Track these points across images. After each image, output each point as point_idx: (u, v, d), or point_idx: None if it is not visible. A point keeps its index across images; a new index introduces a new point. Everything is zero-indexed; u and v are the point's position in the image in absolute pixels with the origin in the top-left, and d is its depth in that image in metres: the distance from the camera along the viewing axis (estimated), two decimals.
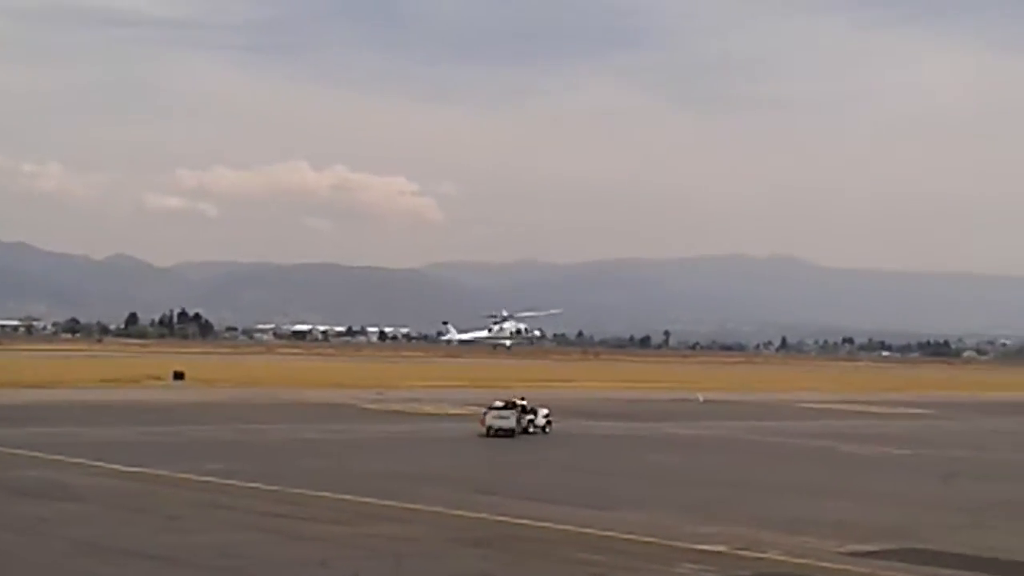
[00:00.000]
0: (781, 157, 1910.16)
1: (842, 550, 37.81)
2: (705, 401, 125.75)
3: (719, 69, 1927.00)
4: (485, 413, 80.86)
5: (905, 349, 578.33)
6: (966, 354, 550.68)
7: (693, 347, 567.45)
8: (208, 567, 33.33)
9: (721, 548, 37.57)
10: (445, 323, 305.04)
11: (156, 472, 53.67)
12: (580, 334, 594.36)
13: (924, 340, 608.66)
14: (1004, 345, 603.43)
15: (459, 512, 43.89)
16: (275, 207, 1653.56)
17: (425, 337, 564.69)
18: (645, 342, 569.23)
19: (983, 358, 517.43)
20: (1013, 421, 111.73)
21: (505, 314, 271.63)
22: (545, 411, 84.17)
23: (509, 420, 79.33)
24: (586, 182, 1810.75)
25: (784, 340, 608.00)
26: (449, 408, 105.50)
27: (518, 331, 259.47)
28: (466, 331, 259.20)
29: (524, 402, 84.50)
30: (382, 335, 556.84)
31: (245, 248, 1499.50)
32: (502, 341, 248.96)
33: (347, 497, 47.02)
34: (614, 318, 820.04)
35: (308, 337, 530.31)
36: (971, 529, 43.85)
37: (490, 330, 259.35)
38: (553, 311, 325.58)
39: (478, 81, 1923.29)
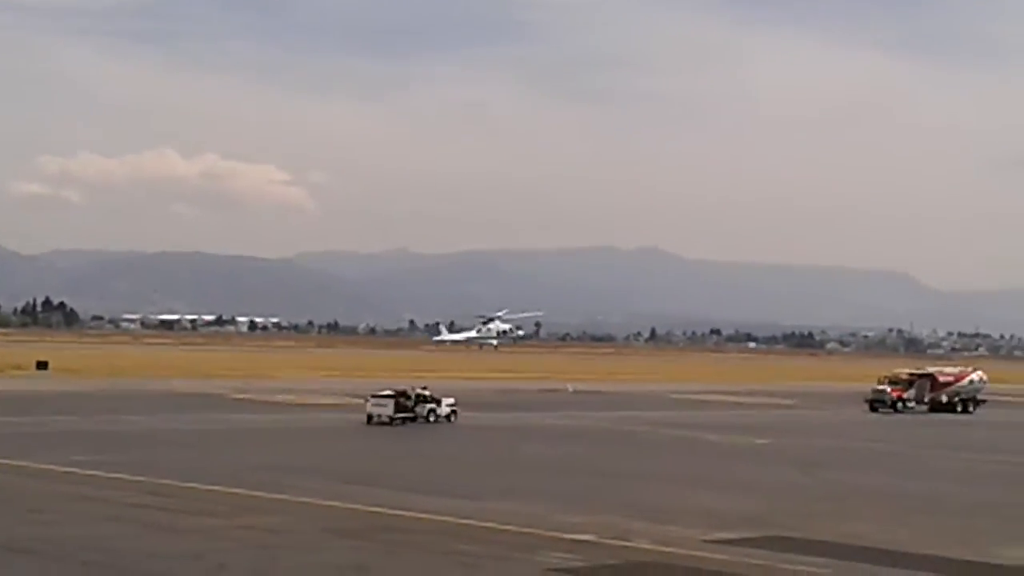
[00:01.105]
0: (652, 151, 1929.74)
1: (706, 538, 38.64)
2: (575, 391, 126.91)
3: (592, 63, 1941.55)
4: (367, 401, 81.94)
5: (771, 341, 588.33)
6: (829, 346, 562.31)
7: (563, 338, 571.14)
8: (74, 560, 32.86)
9: (589, 537, 38.17)
10: (438, 323, 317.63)
11: (17, 463, 52.74)
12: (451, 324, 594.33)
13: (789, 332, 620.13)
14: (866, 337, 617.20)
15: (331, 503, 43.95)
16: (143, 195, 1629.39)
17: (295, 327, 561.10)
18: None
19: (846, 350, 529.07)
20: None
21: (492, 316, 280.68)
22: (450, 400, 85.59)
23: (387, 408, 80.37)
24: (458, 173, 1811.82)
25: (653, 331, 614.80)
26: (321, 398, 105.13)
27: (504, 332, 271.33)
28: (457, 332, 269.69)
29: (426, 391, 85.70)
30: (252, 325, 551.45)
31: (114, 236, 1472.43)
32: (489, 340, 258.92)
33: (217, 488, 46.80)
34: (484, 309, 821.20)
35: (176, 326, 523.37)
36: (830, 516, 45.02)
37: (479, 331, 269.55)
38: (535, 312, 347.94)
39: (352, 72, 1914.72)
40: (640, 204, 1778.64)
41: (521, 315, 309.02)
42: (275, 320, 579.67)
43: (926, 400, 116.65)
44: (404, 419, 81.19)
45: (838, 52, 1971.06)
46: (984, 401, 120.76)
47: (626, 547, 36.81)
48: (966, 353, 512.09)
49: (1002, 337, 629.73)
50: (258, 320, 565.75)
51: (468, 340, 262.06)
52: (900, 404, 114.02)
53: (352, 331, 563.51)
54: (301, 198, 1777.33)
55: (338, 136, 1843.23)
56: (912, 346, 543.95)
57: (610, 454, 68.60)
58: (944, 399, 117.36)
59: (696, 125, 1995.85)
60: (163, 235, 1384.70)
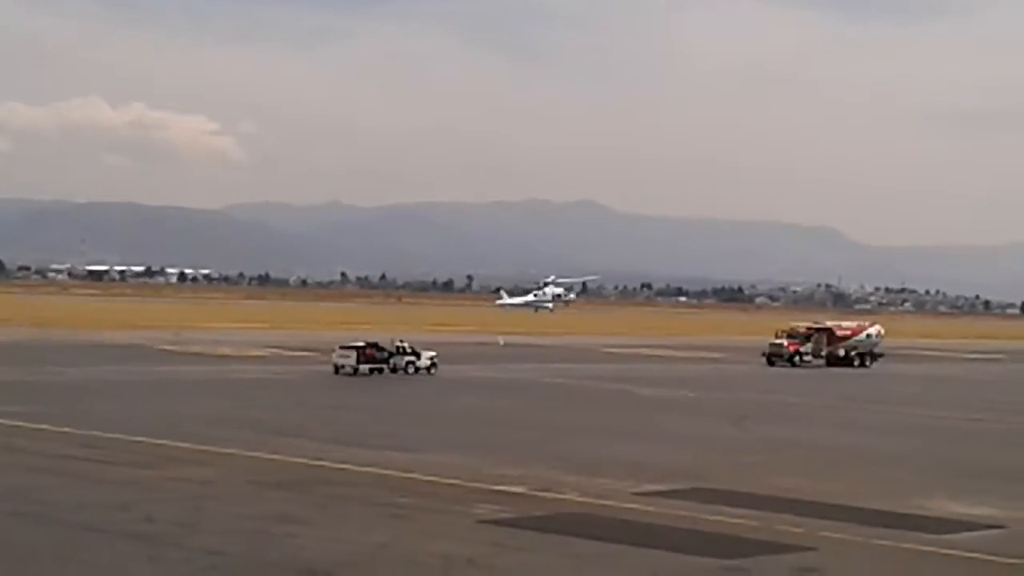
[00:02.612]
0: (585, 106, 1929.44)
1: (637, 490, 38.85)
2: (506, 344, 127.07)
3: (526, 18, 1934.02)
4: (334, 352, 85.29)
5: (701, 295, 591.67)
6: (759, 300, 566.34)
7: (496, 291, 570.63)
8: (0, 511, 32.49)
9: (520, 489, 38.28)
10: (499, 290, 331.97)
11: None
12: (383, 277, 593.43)
13: (719, 286, 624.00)
14: (795, 292, 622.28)
15: (261, 455, 43.77)
16: (72, 144, 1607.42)
17: (226, 278, 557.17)
18: (448, 286, 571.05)
19: (775, 304, 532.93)
20: (818, 364, 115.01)
21: (547, 280, 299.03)
22: (431, 353, 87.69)
23: (350, 359, 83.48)
24: (390, 126, 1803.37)
25: (584, 285, 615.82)
26: (250, 350, 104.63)
27: (558, 295, 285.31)
28: (515, 296, 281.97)
29: (405, 344, 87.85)
30: (182, 276, 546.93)
31: (42, 185, 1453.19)
32: (545, 304, 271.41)
33: (146, 440, 46.45)
34: (418, 262, 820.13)
35: (105, 277, 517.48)
36: (759, 469, 45.41)
37: (535, 295, 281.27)
38: (590, 277, 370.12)
39: (284, 22, 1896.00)
40: (574, 158, 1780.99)
41: (573, 279, 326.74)
42: (205, 272, 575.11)
43: (823, 354, 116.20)
44: (372, 370, 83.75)
45: (769, 10, 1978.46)
46: (881, 355, 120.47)
47: (557, 499, 36.94)
48: (892, 308, 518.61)
49: (927, 293, 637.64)
50: (188, 271, 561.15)
51: (527, 304, 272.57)
52: (797, 358, 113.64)
53: (284, 283, 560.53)
54: (232, 149, 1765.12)
55: (270, 87, 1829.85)
56: (840, 301, 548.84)
57: (541, 407, 68.76)
58: (841, 353, 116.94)
59: (630, 81, 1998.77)
60: (92, 185, 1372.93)
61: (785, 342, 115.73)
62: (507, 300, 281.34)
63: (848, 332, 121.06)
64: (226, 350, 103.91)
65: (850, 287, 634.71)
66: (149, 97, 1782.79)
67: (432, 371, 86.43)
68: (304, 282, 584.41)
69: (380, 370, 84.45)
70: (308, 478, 39.50)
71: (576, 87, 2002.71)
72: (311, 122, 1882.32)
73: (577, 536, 31.37)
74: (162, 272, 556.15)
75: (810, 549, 30.89)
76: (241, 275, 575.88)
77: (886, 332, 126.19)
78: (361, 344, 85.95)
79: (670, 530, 32.69)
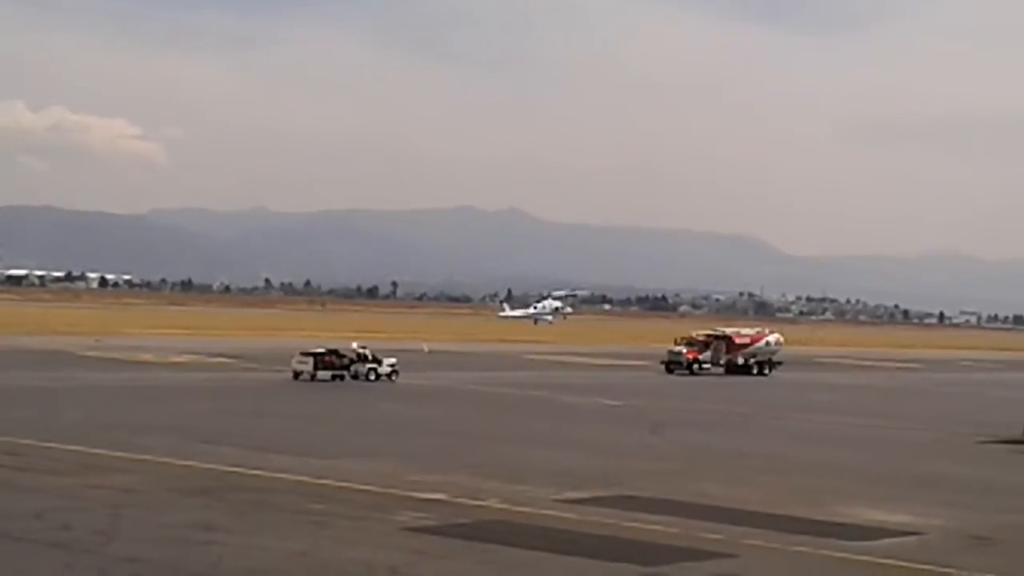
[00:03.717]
0: (512, 113, 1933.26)
1: (557, 497, 38.97)
2: (430, 352, 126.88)
3: (452, 23, 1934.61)
4: (293, 358, 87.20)
5: (625, 303, 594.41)
6: (682, 308, 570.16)
7: (420, 298, 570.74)
8: None
9: (442, 496, 38.27)
10: (503, 301, 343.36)
11: None
12: (308, 283, 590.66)
13: (643, 295, 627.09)
14: (718, 300, 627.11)
15: (181, 462, 43.43)
16: None
17: (148, 284, 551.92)
18: (373, 292, 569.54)
19: (698, 312, 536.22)
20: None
21: (545, 295, 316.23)
22: (391, 360, 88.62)
23: (307, 365, 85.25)
24: (316, 132, 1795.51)
25: (510, 292, 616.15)
26: (173, 356, 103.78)
27: (556, 308, 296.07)
28: (517, 308, 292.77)
29: (366, 351, 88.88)
30: (103, 281, 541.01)
31: None
32: (545, 316, 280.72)
33: (64, 446, 45.90)
34: (343, 268, 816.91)
35: (24, 282, 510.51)
36: (678, 476, 45.71)
37: (535, 308, 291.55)
38: (580, 291, 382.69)
39: (208, 27, 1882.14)
40: (500, 166, 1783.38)
41: (567, 292, 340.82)
42: (127, 277, 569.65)
43: (722, 362, 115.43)
44: (334, 376, 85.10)
45: (695, 20, 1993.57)
46: (780, 363, 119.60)
47: (478, 506, 36.98)
48: (813, 317, 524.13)
49: (848, 302, 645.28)
50: (110, 277, 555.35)
51: (528, 316, 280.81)
52: (696, 365, 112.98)
53: (207, 289, 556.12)
54: (155, 153, 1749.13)
55: (193, 92, 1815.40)
56: (762, 310, 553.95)
57: (464, 414, 68.80)
58: (740, 361, 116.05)
59: (556, 88, 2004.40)
60: (11, 188, 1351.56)
61: (684, 350, 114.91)
62: (509, 312, 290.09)
63: (747, 340, 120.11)
64: (148, 356, 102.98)
65: (772, 296, 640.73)
66: (70, 101, 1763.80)
67: (393, 378, 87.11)
68: (227, 288, 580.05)
69: (341, 377, 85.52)
70: (228, 485, 39.25)
71: (503, 94, 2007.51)
72: (236, 128, 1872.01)
73: (499, 543, 31.43)
74: (83, 277, 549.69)
75: (730, 556, 31.16)
76: (163, 281, 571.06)
77: (806, 340, 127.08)
78: (320, 351, 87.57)
79: (591, 537, 32.82)
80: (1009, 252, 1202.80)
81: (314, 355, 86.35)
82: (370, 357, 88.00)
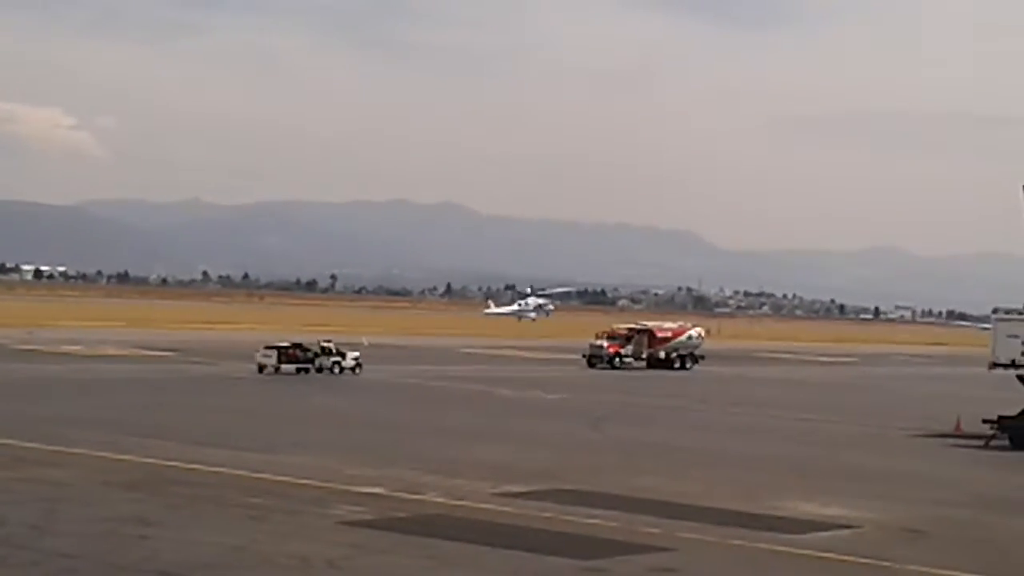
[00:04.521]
0: (447, 105, 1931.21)
1: (495, 491, 38.96)
2: (370, 345, 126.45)
3: (389, 14, 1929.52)
4: (257, 352, 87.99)
5: (564, 296, 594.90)
6: (621, 303, 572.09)
7: (359, 291, 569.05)
8: None
9: (379, 490, 38.17)
10: (488, 299, 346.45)
11: None
12: (246, 276, 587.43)
13: (583, 288, 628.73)
14: (657, 295, 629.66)
15: (117, 456, 43.04)
16: None
17: (83, 276, 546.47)
18: (311, 286, 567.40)
19: (637, 307, 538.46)
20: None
21: (528, 291, 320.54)
22: (355, 354, 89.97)
23: (271, 359, 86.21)
24: (252, 123, 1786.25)
25: (449, 286, 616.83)
26: (109, 349, 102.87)
27: (539, 306, 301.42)
28: (502, 306, 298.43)
29: (331, 344, 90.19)
30: (38, 273, 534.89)
31: None
32: (528, 313, 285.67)
33: None
34: (281, 261, 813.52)
35: None
36: (617, 470, 45.81)
37: (519, 305, 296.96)
38: (564, 288, 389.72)
39: (143, 16, 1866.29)
40: (436, 158, 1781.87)
41: (553, 290, 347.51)
42: (62, 269, 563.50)
43: (643, 356, 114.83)
44: (299, 370, 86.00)
45: (626, 11, 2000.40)
46: (702, 357, 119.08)
47: (416, 500, 36.92)
48: (751, 312, 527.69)
49: (785, 296, 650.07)
50: (44, 269, 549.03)
51: (512, 313, 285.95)
52: (617, 359, 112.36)
53: (143, 281, 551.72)
54: (89, 144, 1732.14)
55: (129, 82, 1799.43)
56: (700, 304, 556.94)
57: (401, 408, 68.70)
58: (662, 355, 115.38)
59: (492, 81, 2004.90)
60: None
61: (605, 344, 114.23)
62: (495, 309, 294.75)
63: (669, 334, 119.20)
64: (83, 349, 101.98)
65: (710, 290, 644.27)
66: (0, 89, 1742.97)
67: (357, 371, 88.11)
68: (164, 281, 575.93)
69: (306, 370, 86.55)
70: (163, 479, 38.96)
71: (438, 86, 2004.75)
72: (171, 118, 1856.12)
73: (437, 537, 31.37)
74: (16, 269, 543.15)
75: (668, 550, 31.25)
76: (99, 273, 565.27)
77: (744, 335, 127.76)
78: (285, 344, 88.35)
79: (530, 531, 32.85)
80: (944, 248, 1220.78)
81: (278, 348, 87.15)
82: (334, 350, 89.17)
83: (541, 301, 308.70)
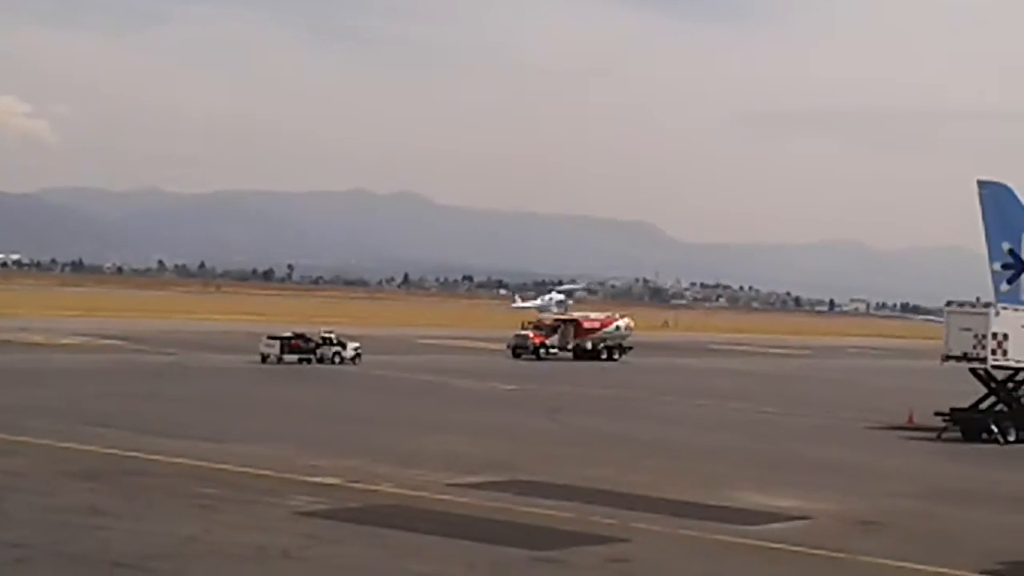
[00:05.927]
0: (408, 97, 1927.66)
1: (451, 482, 38.96)
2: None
3: (351, 5, 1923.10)
4: (261, 342, 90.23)
5: (521, 288, 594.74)
6: (578, 294, 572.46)
7: (316, 281, 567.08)
8: None
9: (335, 480, 38.12)
10: (515, 295, 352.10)
11: None
12: (202, 265, 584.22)
13: (539, 279, 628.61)
14: (613, 287, 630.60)
15: (68, 445, 42.78)
16: None
17: (38, 264, 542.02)
18: (269, 275, 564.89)
19: (593, 298, 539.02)
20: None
21: (550, 287, 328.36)
22: (355, 344, 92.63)
23: (274, 348, 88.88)
24: (211, 112, 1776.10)
25: (406, 276, 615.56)
26: (62, 338, 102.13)
27: (560, 301, 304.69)
28: (526, 300, 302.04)
29: (332, 335, 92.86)
30: None
31: None
32: (551, 308, 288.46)
33: None
34: (237, 250, 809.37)
35: None
36: (572, 461, 45.87)
37: (542, 300, 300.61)
38: (577, 285, 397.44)
39: (101, 3, 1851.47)
40: (395, 149, 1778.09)
41: (568, 286, 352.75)
42: (16, 257, 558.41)
43: (570, 347, 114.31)
44: (301, 360, 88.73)
45: (588, 5, 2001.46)
46: (631, 348, 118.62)
47: (371, 491, 36.88)
48: (707, 303, 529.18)
49: (741, 289, 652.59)
50: None
51: (536, 307, 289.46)
52: (543, 350, 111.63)
53: (98, 270, 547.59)
54: (44, 131, 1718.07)
55: (86, 70, 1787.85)
56: (657, 295, 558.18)
57: (357, 398, 68.62)
58: (589, 345, 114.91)
59: (452, 72, 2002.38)
60: None
61: (531, 334, 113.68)
62: (520, 304, 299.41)
63: (596, 324, 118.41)
64: (37, 338, 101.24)
65: (667, 282, 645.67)
66: None
67: (356, 361, 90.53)
68: (120, 269, 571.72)
69: (308, 360, 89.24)
70: (117, 469, 38.75)
71: (395, 77, 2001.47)
72: (128, 107, 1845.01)
73: (392, 528, 31.35)
74: None
75: (623, 540, 31.33)
76: (54, 261, 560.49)
77: (700, 327, 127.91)
78: (288, 335, 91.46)
79: (485, 521, 32.87)
80: (899, 241, 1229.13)
81: (281, 339, 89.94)
82: (335, 341, 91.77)
83: (561, 297, 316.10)
